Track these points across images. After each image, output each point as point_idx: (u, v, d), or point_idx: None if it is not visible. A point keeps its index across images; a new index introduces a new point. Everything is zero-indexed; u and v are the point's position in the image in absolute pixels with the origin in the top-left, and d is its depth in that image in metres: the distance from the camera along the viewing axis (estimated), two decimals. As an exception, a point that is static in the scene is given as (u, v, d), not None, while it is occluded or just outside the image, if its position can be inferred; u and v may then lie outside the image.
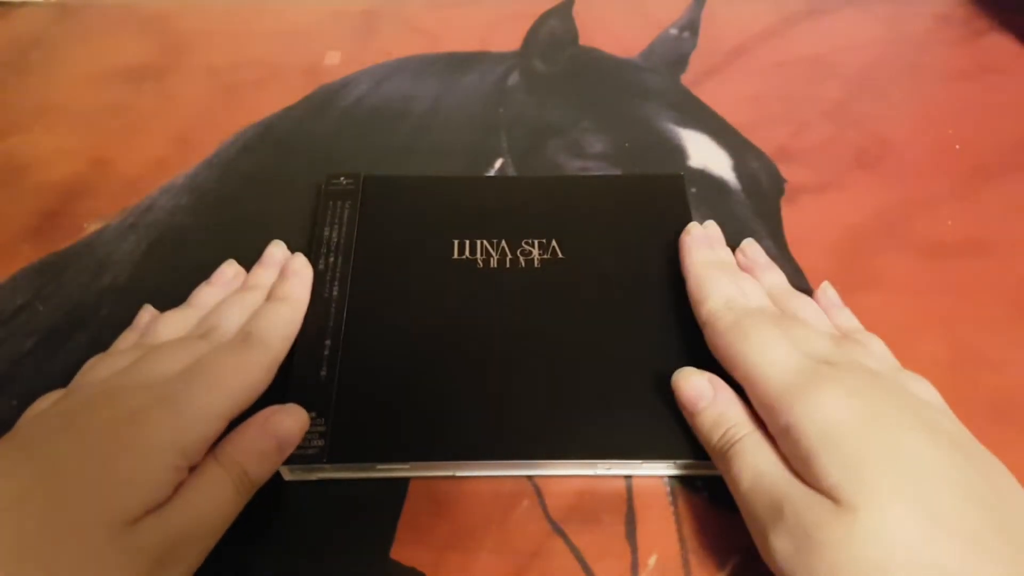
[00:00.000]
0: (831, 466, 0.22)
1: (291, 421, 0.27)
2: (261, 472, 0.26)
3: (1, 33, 0.50)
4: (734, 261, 0.33)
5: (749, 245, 0.34)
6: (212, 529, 0.25)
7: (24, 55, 0.48)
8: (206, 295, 0.33)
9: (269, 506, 0.28)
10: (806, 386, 0.24)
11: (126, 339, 0.31)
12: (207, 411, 0.25)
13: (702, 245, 0.32)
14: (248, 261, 0.34)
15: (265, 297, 0.32)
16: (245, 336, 0.29)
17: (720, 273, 0.31)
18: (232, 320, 0.30)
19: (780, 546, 0.23)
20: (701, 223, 0.35)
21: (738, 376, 0.27)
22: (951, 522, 0.21)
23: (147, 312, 0.32)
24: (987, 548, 0.20)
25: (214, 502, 0.24)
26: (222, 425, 0.26)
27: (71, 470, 0.22)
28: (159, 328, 0.30)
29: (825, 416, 0.23)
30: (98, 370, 0.28)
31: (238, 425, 0.27)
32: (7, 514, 0.21)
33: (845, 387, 0.24)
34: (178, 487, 0.24)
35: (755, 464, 0.24)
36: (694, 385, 0.27)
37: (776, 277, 0.32)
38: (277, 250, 0.35)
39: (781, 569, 0.23)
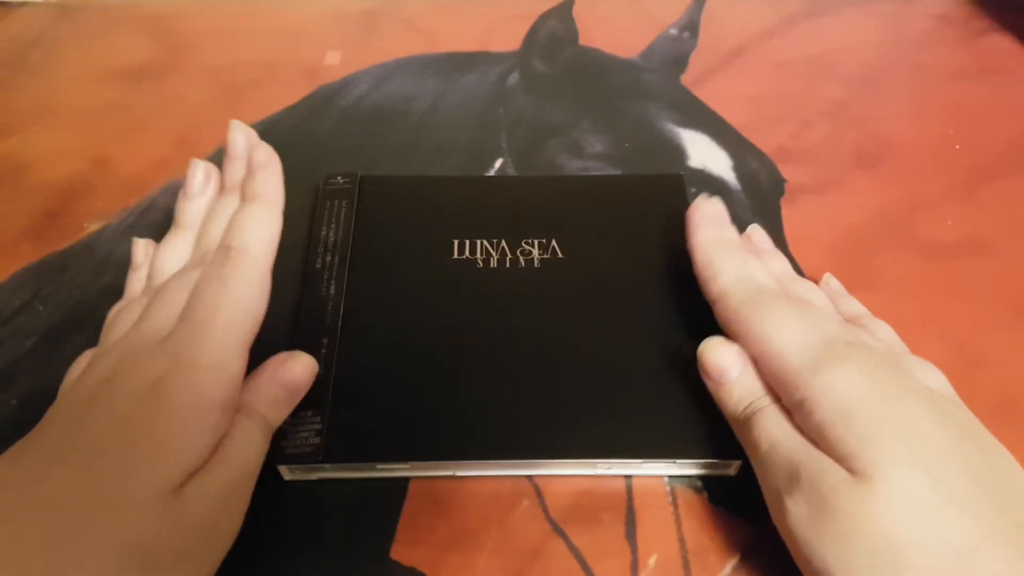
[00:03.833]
0: (847, 437, 0.22)
1: (299, 367, 0.28)
2: (278, 417, 0.27)
3: (1, 33, 0.50)
4: (740, 241, 0.32)
5: (755, 231, 0.34)
6: (252, 475, 0.25)
7: (24, 55, 0.48)
8: (190, 211, 0.32)
9: (269, 506, 0.28)
10: (822, 362, 0.24)
11: (133, 281, 0.31)
12: (220, 357, 0.25)
13: (710, 221, 0.31)
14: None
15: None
16: (226, 253, 0.28)
17: (730, 249, 0.30)
18: (221, 234, 0.29)
19: (795, 510, 0.23)
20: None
21: (752, 351, 0.27)
22: (959, 499, 0.21)
23: (139, 247, 0.32)
24: (994, 528, 0.21)
25: (250, 451, 0.25)
26: (242, 361, 0.26)
27: (105, 449, 0.23)
28: (160, 265, 0.30)
29: (841, 390, 0.23)
30: (117, 326, 0.28)
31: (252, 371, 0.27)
32: (55, 502, 0.21)
33: (859, 364, 0.24)
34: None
35: (774, 431, 0.25)
36: (724, 356, 0.27)
37: (781, 264, 0.33)
38: (240, 136, 0.32)
39: (794, 534, 0.23)
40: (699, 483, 0.29)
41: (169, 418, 0.23)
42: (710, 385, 0.28)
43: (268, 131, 0.43)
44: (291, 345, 0.31)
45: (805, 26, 0.50)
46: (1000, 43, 0.48)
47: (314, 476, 0.29)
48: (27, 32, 0.50)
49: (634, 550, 0.28)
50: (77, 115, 0.44)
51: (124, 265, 0.36)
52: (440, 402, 0.30)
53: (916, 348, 0.29)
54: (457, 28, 0.49)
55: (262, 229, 0.29)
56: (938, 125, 0.43)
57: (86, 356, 0.28)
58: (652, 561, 0.27)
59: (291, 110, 0.44)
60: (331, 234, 0.35)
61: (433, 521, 0.28)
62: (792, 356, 0.25)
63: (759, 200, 0.39)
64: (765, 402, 0.26)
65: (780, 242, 0.37)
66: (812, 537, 0.22)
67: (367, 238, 0.35)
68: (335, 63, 0.47)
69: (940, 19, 0.50)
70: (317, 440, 0.28)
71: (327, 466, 0.28)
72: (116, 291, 0.35)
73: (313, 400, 0.29)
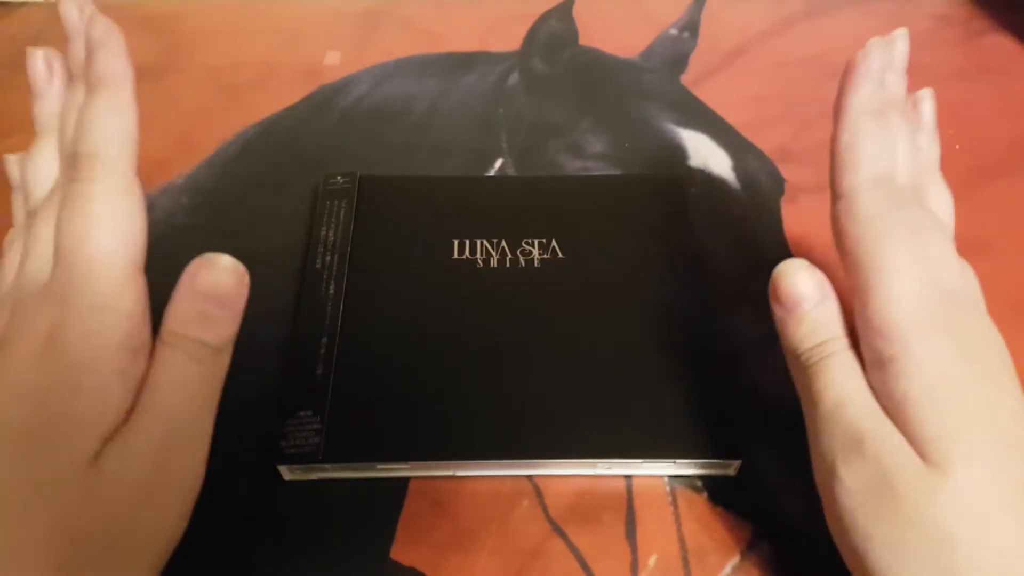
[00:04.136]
0: (929, 419, 0.21)
1: (218, 273, 0.24)
2: (218, 334, 0.23)
3: (1, 33, 0.50)
4: (903, 105, 0.27)
5: (927, 101, 0.28)
6: (191, 414, 0.22)
7: (24, 55, 0.48)
8: (43, 111, 0.27)
9: (269, 506, 0.28)
10: (927, 325, 0.22)
11: (16, 205, 0.26)
12: (103, 289, 0.22)
13: (872, 79, 0.25)
14: (248, 261, 0.34)
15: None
16: (74, 164, 0.23)
17: (881, 131, 0.24)
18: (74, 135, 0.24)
19: (851, 480, 0.21)
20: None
21: (855, 278, 0.23)
22: None
23: (11, 164, 0.27)
24: None
25: (179, 388, 0.22)
26: (135, 290, 0.22)
27: (9, 423, 0.20)
28: (30, 185, 0.25)
29: (937, 366, 0.21)
30: (4, 270, 0.24)
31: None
32: None
33: (961, 342, 0.22)
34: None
35: (844, 385, 0.22)
36: (803, 282, 0.24)
37: (932, 152, 0.28)
38: (71, 7, 0.26)
39: (841, 503, 0.21)
40: (699, 483, 0.29)
41: (67, 379, 0.21)
42: (777, 311, 0.25)
43: (267, 131, 0.43)
44: (291, 345, 0.31)
45: (805, 26, 0.50)
46: (1000, 43, 0.48)
47: (314, 476, 0.29)
48: (27, 32, 0.50)
49: (634, 550, 0.28)
50: (77, 115, 0.44)
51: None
52: (440, 402, 0.30)
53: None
54: (457, 28, 0.49)
55: (111, 123, 0.23)
56: (938, 125, 0.43)
57: None
58: (652, 561, 0.27)
59: (291, 110, 0.44)
60: (331, 234, 0.35)
61: (433, 521, 0.28)
62: (898, 305, 0.22)
63: (759, 200, 0.39)
64: (840, 345, 0.23)
65: (780, 242, 0.37)
66: (863, 513, 0.21)
67: (367, 238, 0.35)
68: (335, 63, 0.47)
69: (940, 19, 0.50)
70: (317, 440, 0.28)
71: (327, 466, 0.28)
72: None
73: (313, 400, 0.29)
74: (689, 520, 0.28)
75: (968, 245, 0.37)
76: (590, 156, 0.41)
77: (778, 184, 0.40)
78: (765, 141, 0.42)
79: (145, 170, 0.41)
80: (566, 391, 0.30)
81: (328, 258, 0.34)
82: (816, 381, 0.23)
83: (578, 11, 0.50)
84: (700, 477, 0.29)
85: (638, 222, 0.36)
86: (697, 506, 0.29)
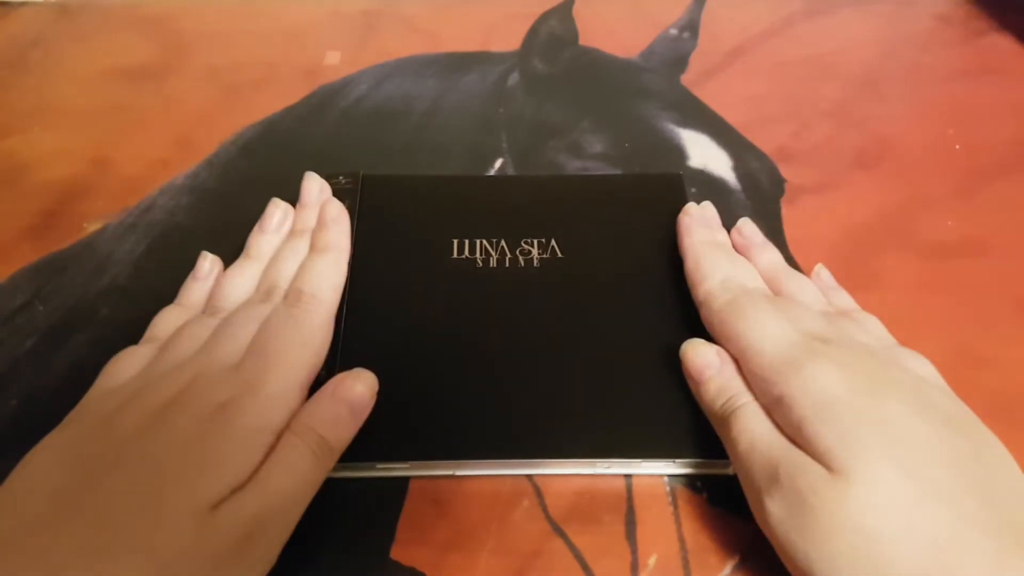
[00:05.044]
0: (824, 433, 0.23)
1: (361, 385, 0.28)
2: (339, 437, 0.27)
3: (1, 33, 0.50)
4: (730, 243, 0.34)
5: (745, 224, 0.35)
6: (295, 500, 0.25)
7: (24, 55, 0.48)
8: (262, 244, 0.33)
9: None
10: (800, 359, 0.25)
11: (192, 291, 0.32)
12: (285, 387, 0.27)
13: (701, 225, 0.33)
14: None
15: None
16: (299, 296, 0.30)
17: (718, 253, 0.31)
18: (289, 274, 0.31)
19: (775, 509, 0.23)
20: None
21: (733, 351, 0.27)
22: (940, 492, 0.21)
23: (206, 261, 0.33)
24: (975, 519, 0.21)
25: (294, 473, 0.25)
26: (302, 395, 0.27)
27: (163, 465, 0.23)
28: (226, 289, 0.31)
29: (818, 387, 0.24)
30: (183, 342, 0.28)
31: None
32: (103, 510, 0.22)
33: (837, 360, 0.24)
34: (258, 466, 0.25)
35: (752, 428, 0.25)
36: (703, 354, 0.28)
37: (772, 255, 0.33)
38: (314, 185, 0.35)
39: (775, 532, 0.23)
40: (699, 483, 0.29)
41: (227, 436, 0.24)
42: (691, 384, 0.29)
43: (268, 131, 0.43)
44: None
45: (805, 26, 0.50)
46: (1000, 43, 0.48)
47: (314, 476, 0.29)
48: (27, 32, 0.50)
49: (634, 550, 0.28)
50: (77, 115, 0.44)
51: (124, 265, 0.36)
52: (440, 402, 0.30)
53: (916, 348, 0.28)
54: (457, 28, 0.49)
55: (332, 278, 0.31)
56: (938, 125, 0.43)
57: (130, 353, 0.29)
58: (652, 561, 0.27)
59: (291, 110, 0.44)
60: (331, 234, 0.35)
61: (433, 521, 0.28)
62: (770, 354, 0.25)
63: (759, 200, 0.39)
64: (744, 399, 0.26)
65: (780, 242, 0.37)
66: (793, 535, 0.22)
67: (369, 238, 0.35)
68: (335, 63, 0.47)
69: (940, 19, 0.50)
70: (317, 440, 0.28)
71: (327, 466, 0.28)
72: (116, 291, 0.35)
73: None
74: (689, 520, 0.28)
75: (968, 245, 0.37)
76: (590, 156, 0.41)
77: (778, 184, 0.40)
78: (765, 141, 0.42)
79: (145, 170, 0.41)
80: (566, 391, 0.30)
81: (328, 258, 0.34)
82: (731, 430, 0.26)
83: (578, 11, 0.50)
84: (700, 477, 0.29)
85: (638, 222, 0.36)
86: (697, 506, 0.29)
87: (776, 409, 0.25)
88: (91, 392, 0.27)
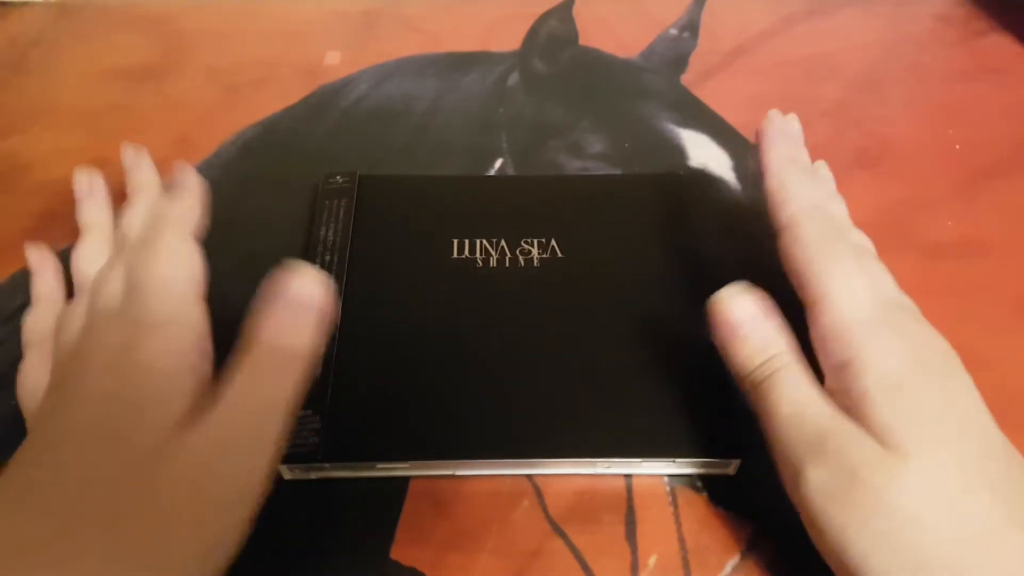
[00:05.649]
0: (887, 408, 0.22)
1: (310, 283, 0.25)
2: (311, 343, 0.24)
3: (1, 33, 0.50)
4: (809, 166, 0.31)
5: (822, 167, 0.32)
6: (258, 418, 0.23)
7: (24, 55, 0.48)
8: (86, 213, 0.33)
9: (269, 506, 0.28)
10: (879, 326, 0.23)
11: (39, 286, 0.32)
12: (176, 307, 0.24)
13: (786, 139, 0.29)
14: (248, 261, 0.34)
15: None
16: (144, 234, 0.27)
17: (804, 175, 0.28)
18: (138, 224, 0.29)
19: (817, 479, 0.22)
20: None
21: (806, 293, 0.25)
22: (991, 486, 0.21)
23: (32, 254, 0.34)
24: (1018, 512, 0.21)
25: (247, 390, 0.23)
26: (199, 311, 0.25)
27: (93, 426, 0.22)
28: (82, 266, 0.31)
29: (890, 361, 0.23)
30: (67, 331, 0.26)
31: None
32: (51, 485, 0.21)
33: (913, 336, 0.24)
34: (216, 387, 0.23)
35: (799, 394, 0.24)
36: (742, 305, 0.25)
37: (841, 209, 0.31)
38: (128, 151, 0.34)
39: (812, 502, 0.22)
40: (699, 483, 0.29)
41: (138, 378, 0.23)
42: (720, 339, 0.26)
43: (268, 131, 0.43)
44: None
45: (805, 26, 0.50)
46: (1000, 43, 0.48)
47: (314, 476, 0.29)
48: (27, 32, 0.50)
49: (634, 550, 0.28)
50: (77, 115, 0.44)
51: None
52: (440, 401, 0.30)
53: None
54: (457, 28, 0.49)
55: (176, 205, 0.28)
56: (938, 125, 0.43)
57: (31, 367, 0.28)
58: (652, 561, 0.27)
59: (291, 110, 0.44)
60: (330, 234, 0.35)
61: (433, 521, 0.28)
62: (850, 311, 0.23)
63: (759, 200, 0.39)
64: (787, 359, 0.24)
65: (780, 242, 0.37)
66: (832, 509, 0.22)
67: (366, 238, 0.35)
68: (335, 63, 0.47)
69: (940, 19, 0.50)
70: (316, 439, 0.28)
71: (326, 465, 0.28)
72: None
73: (312, 399, 0.29)
74: (689, 520, 0.28)
75: (968, 245, 0.37)
76: (590, 156, 0.41)
77: (778, 184, 0.40)
78: (765, 141, 0.42)
79: (145, 170, 0.39)
80: (566, 391, 0.30)
81: (328, 258, 0.34)
82: (770, 394, 0.24)
83: (578, 11, 0.50)
84: (700, 476, 0.29)
85: (638, 222, 0.36)
86: (697, 506, 0.29)
87: (838, 372, 0.23)
88: (27, 420, 0.27)
